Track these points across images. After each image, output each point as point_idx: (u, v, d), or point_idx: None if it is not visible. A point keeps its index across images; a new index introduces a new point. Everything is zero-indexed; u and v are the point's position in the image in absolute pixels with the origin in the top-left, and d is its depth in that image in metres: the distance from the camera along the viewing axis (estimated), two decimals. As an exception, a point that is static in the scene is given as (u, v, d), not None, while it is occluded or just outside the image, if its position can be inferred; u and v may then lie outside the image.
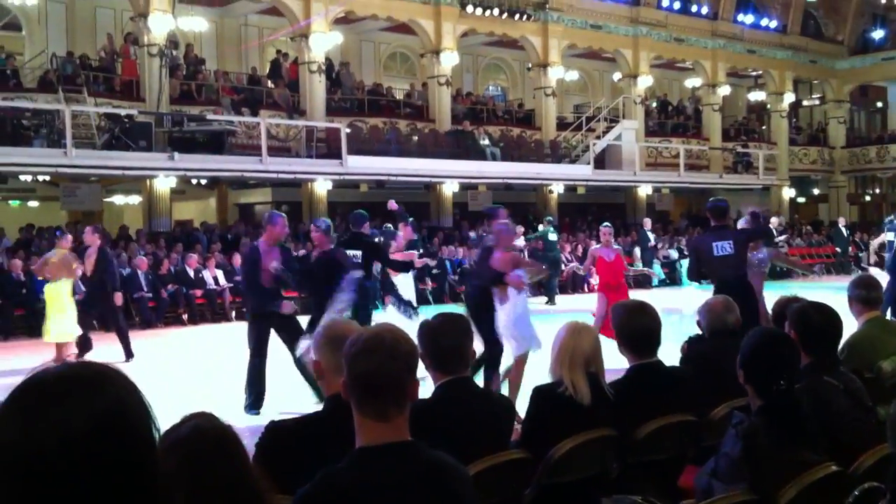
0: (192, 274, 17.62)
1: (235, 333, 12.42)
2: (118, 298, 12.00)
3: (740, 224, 10.22)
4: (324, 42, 22.56)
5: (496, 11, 25.30)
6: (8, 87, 19.08)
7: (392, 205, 12.54)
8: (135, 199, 23.18)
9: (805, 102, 38.74)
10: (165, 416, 1.54)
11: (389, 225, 17.16)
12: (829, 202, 36.91)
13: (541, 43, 26.82)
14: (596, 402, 3.61)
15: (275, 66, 23.99)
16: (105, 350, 11.61)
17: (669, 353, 4.43)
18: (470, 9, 24.77)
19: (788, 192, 34.15)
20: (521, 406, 3.70)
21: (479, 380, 7.34)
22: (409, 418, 2.17)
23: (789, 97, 34.15)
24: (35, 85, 19.76)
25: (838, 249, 27.78)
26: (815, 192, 38.41)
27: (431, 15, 24.38)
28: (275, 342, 8.43)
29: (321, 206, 21.88)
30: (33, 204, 23.29)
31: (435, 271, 20.26)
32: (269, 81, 23.51)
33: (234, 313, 17.70)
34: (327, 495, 2.08)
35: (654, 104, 32.37)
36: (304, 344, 7.20)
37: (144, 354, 12.33)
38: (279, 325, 8.32)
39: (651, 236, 23.51)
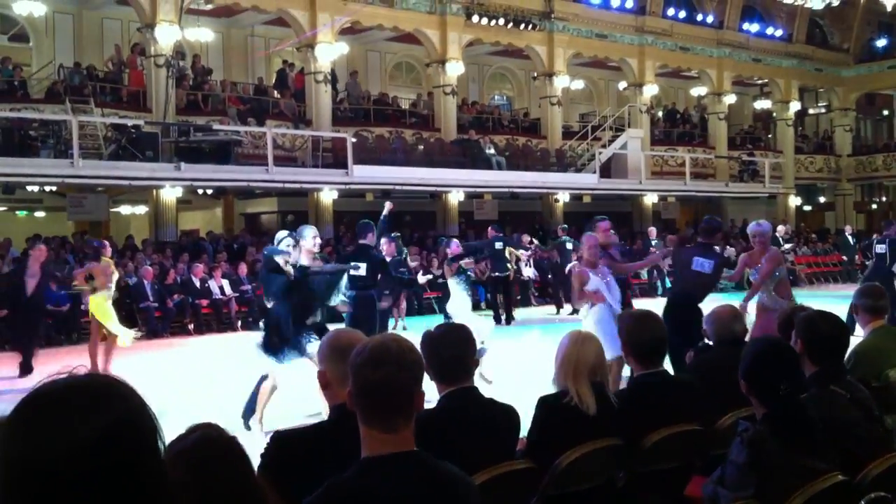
0: (197, 284, 17.65)
1: (241, 343, 12.42)
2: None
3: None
4: (330, 52, 22.62)
5: (501, 21, 25.35)
6: (16, 97, 19.17)
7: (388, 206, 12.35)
8: (141, 209, 23.24)
9: (811, 111, 38.71)
10: (171, 427, 1.54)
11: (398, 234, 17.25)
12: (835, 210, 36.84)
13: (546, 52, 26.86)
14: (602, 411, 3.60)
15: (281, 77, 24.06)
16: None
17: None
18: (475, 18, 24.82)
19: (795, 201, 34.10)
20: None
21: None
22: (415, 429, 2.17)
23: (795, 105, 34.12)
24: (42, 96, 19.84)
25: (845, 258, 27.71)
26: (822, 200, 38.36)
27: (437, 25, 24.44)
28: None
29: (327, 215, 21.91)
30: (40, 214, 23.35)
31: (441, 281, 20.22)
32: (276, 91, 23.58)
33: (240, 323, 17.71)
34: (333, 505, 2.07)
35: (660, 113, 32.38)
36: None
37: (150, 364, 12.35)
38: None
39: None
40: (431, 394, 2.90)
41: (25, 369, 11.65)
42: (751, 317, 8.08)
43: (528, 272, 21.15)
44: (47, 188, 20.35)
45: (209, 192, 23.15)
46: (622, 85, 31.43)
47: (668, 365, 4.10)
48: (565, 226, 21.45)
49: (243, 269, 18.46)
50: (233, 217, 24.98)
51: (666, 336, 4.03)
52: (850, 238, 27.72)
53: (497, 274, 17.85)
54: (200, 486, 1.88)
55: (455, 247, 11.52)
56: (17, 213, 23.29)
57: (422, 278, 12.62)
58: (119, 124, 18.83)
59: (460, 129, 24.90)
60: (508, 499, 3.27)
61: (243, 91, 23.60)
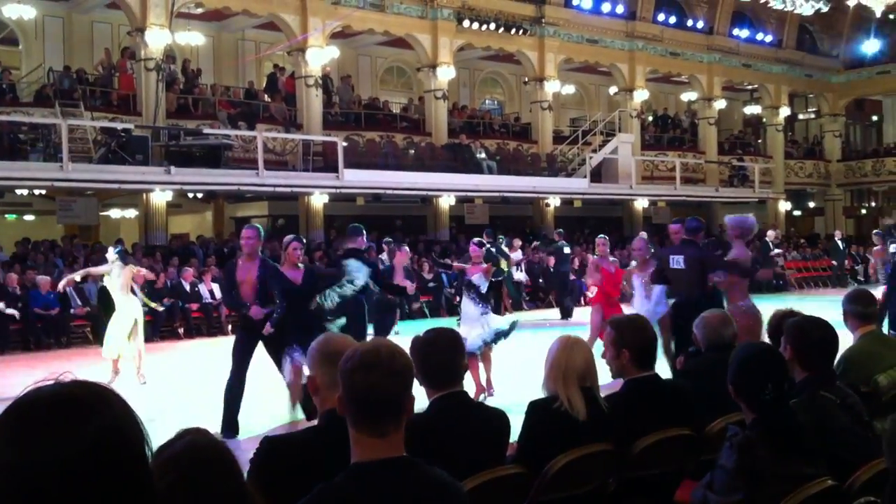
0: (188, 287, 17.60)
1: (231, 348, 12.35)
2: None
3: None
4: (320, 56, 22.62)
5: (492, 26, 25.40)
6: (5, 101, 19.09)
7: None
8: (131, 213, 23.17)
9: (801, 116, 38.90)
10: (160, 432, 1.54)
11: (390, 239, 17.22)
12: (825, 215, 37.00)
13: (537, 57, 26.91)
14: (592, 416, 3.60)
15: (271, 80, 24.03)
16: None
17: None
18: (466, 23, 24.86)
19: (784, 206, 34.22)
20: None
21: None
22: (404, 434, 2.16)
23: (785, 111, 34.30)
24: (32, 99, 19.79)
25: (835, 263, 27.81)
26: (811, 205, 38.51)
27: (428, 29, 24.47)
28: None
29: (318, 219, 21.89)
30: (29, 218, 23.25)
31: (431, 285, 20.25)
32: (266, 95, 23.56)
33: (230, 327, 17.63)
34: (323, 511, 2.06)
35: (650, 118, 32.48)
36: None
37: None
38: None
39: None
40: (422, 401, 2.89)
41: None
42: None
43: (519, 276, 21.17)
44: (37, 192, 20.25)
45: (199, 195, 23.11)
46: (613, 90, 31.52)
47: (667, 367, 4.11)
48: (561, 230, 21.47)
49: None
50: (223, 221, 24.92)
51: (656, 341, 4.07)
52: (839, 243, 27.83)
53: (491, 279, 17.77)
54: (189, 492, 1.86)
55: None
56: (7, 216, 23.20)
57: (410, 287, 12.41)
58: (109, 128, 18.79)
59: (451, 133, 24.92)
60: (498, 504, 3.27)
61: (234, 95, 23.55)
